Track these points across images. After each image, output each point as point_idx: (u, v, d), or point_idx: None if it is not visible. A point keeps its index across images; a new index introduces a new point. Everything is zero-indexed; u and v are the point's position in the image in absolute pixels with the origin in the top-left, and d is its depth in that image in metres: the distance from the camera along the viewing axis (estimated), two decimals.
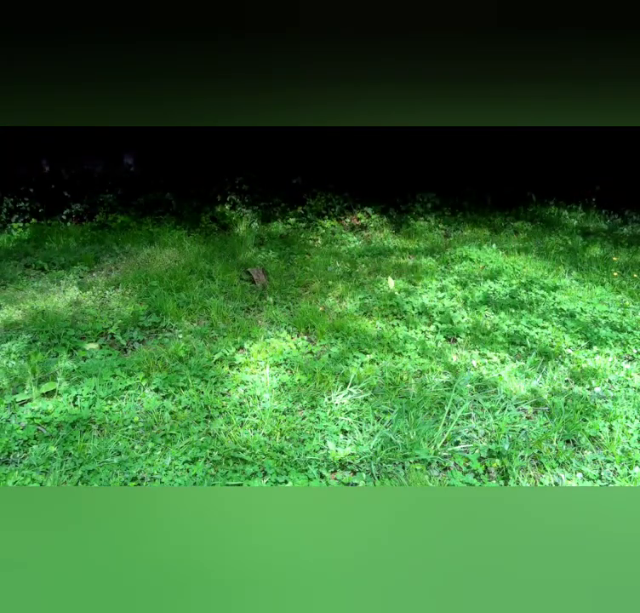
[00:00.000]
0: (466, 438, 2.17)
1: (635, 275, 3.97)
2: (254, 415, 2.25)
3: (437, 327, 3.13)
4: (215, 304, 3.32)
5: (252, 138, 6.07)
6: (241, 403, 2.33)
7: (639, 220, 5.79)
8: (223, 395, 2.41)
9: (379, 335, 3.00)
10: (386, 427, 2.20)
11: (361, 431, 2.19)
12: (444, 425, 2.20)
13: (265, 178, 6.20)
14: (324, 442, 2.12)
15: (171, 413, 2.28)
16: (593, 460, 2.06)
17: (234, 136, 6.05)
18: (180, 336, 2.94)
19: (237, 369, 2.60)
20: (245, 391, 2.42)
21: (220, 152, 6.22)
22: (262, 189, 6.05)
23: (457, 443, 2.13)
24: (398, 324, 3.16)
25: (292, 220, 5.45)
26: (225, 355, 2.69)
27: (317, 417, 2.26)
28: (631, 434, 2.17)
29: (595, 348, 2.87)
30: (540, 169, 6.42)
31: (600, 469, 2.01)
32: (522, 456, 2.04)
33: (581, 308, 3.36)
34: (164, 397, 2.40)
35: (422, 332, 3.08)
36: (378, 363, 2.71)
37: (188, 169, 6.27)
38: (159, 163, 6.33)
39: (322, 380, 2.50)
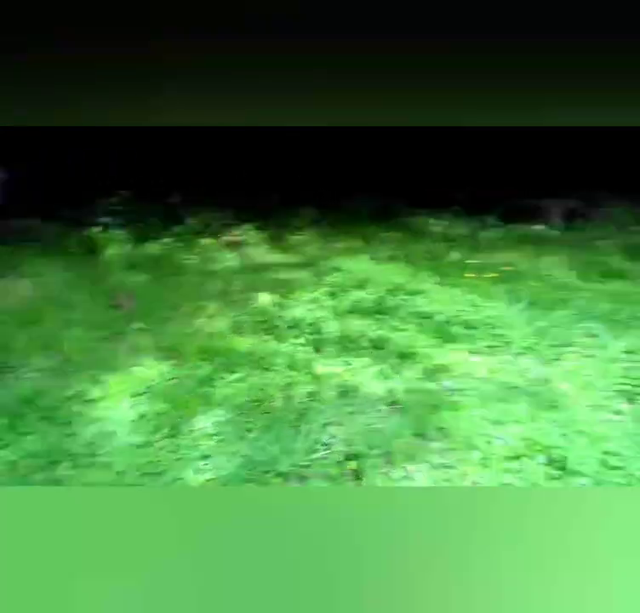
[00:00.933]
0: (326, 444, 2.24)
1: (486, 275, 4.41)
2: (106, 454, 2.13)
3: (307, 339, 3.21)
4: (72, 335, 3.11)
5: (127, 154, 5.85)
6: (91, 443, 2.19)
7: (496, 225, 6.38)
8: (69, 436, 2.24)
9: (249, 351, 3.01)
10: (249, 446, 2.20)
11: (223, 453, 2.17)
12: (306, 435, 2.26)
13: (140, 196, 5.99)
14: (182, 471, 2.06)
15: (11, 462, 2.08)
16: (439, 449, 2.22)
17: (110, 152, 5.79)
18: (28, 375, 2.70)
19: (92, 405, 2.45)
20: (98, 428, 2.28)
21: (92, 169, 5.91)
22: (136, 209, 5.83)
23: (316, 452, 2.19)
24: (269, 340, 3.20)
25: (167, 240, 5.30)
26: (79, 391, 2.52)
27: (177, 446, 2.19)
28: (474, 422, 2.39)
29: (447, 346, 3.13)
30: (409, 177, 6.90)
31: (444, 457, 2.18)
32: (375, 455, 2.15)
33: (439, 310, 3.65)
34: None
35: (292, 345, 3.14)
36: (245, 381, 2.71)
37: (56, 190, 5.87)
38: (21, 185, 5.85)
39: (186, 406, 2.44)
